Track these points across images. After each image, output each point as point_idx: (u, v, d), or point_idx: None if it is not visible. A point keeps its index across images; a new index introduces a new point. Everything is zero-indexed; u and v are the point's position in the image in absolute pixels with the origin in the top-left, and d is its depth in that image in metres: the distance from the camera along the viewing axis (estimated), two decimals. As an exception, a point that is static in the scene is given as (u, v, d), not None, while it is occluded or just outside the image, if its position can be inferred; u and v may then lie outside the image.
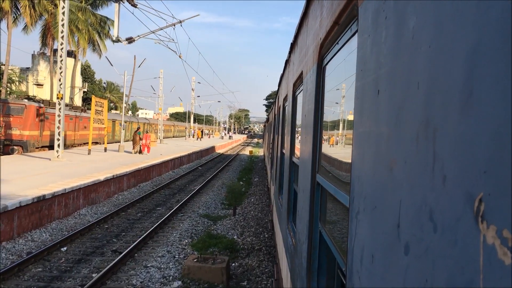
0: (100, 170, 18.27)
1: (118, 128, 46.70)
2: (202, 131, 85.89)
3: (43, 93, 49.09)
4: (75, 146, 34.89)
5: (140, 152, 30.57)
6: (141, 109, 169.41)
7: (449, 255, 0.90)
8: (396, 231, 1.23)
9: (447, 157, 0.95)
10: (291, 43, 5.88)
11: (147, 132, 34.95)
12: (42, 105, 28.11)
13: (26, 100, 27.62)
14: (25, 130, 26.23)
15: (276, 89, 13.96)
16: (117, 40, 20.42)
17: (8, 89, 37.02)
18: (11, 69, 42.00)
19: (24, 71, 53.04)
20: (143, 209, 16.46)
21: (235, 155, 50.19)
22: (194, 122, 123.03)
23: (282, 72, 9.05)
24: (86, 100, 60.20)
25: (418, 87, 1.12)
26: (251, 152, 49.88)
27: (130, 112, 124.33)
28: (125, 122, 47.83)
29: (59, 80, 20.14)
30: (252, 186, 24.56)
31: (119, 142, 45.95)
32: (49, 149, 29.64)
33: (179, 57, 26.91)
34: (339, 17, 2.26)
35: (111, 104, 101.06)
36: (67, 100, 45.07)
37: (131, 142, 35.37)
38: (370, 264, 1.46)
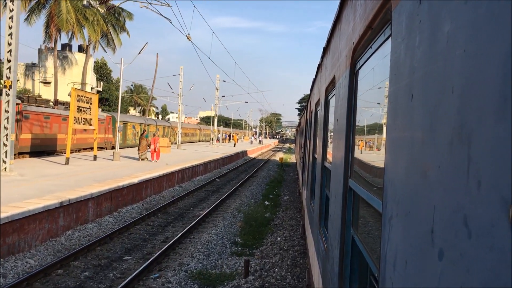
0: (55, 191, 12.23)
1: (131, 132, 41.09)
2: (229, 136, 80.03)
3: (50, 92, 43.97)
4: (72, 152, 29.25)
5: (141, 158, 24.63)
6: (172, 112, 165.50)
7: (484, 261, 0.91)
8: (430, 237, 1.22)
9: (482, 162, 0.96)
10: (324, 48, 5.85)
11: (154, 136, 29.06)
12: (18, 101, 22.43)
13: (-4, 95, 22.01)
14: (-8, 132, 20.54)
15: (308, 92, 13.14)
16: (88, 4, 14.44)
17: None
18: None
19: (30, 67, 48.14)
20: (101, 259, 10.24)
21: (263, 163, 43.85)
22: (224, 126, 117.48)
23: (314, 77, 8.83)
24: (102, 100, 55.04)
25: (453, 91, 1.13)
26: (281, 159, 43.39)
27: (160, 116, 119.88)
28: (132, 123, 42.08)
29: (8, 61, 14.22)
30: (281, 209, 18.09)
31: (133, 147, 40.35)
32: (30, 156, 24.01)
33: (187, 38, 20.86)
34: (372, 22, 2.27)
35: (139, 108, 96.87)
36: (64, 98, 39.59)
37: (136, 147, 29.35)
38: (403, 270, 1.46)
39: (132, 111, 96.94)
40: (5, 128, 14.13)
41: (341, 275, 3.04)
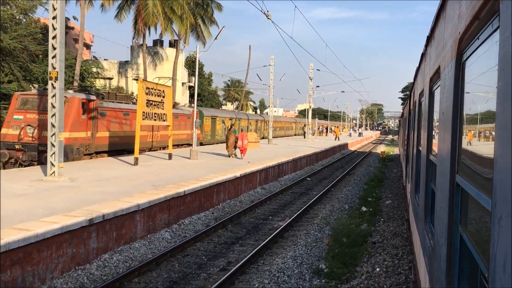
0: (95, 202, 10.01)
1: (220, 127, 39.33)
2: (326, 128, 76.25)
3: (142, 89, 43.72)
4: (155, 150, 27.88)
5: (224, 155, 22.25)
6: (270, 106, 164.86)
7: None
8: None
9: None
10: (427, 36, 5.73)
11: (242, 131, 26.85)
12: (93, 97, 21.12)
13: (70, 91, 20.83)
14: (64, 131, 19.23)
15: (412, 80, 12.51)
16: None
17: (87, 82, 31.30)
18: (92, 60, 36.65)
19: (123, 65, 48.38)
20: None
21: (362, 157, 39.87)
22: (323, 118, 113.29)
23: (417, 66, 8.49)
24: (194, 95, 54.33)
25: None
26: (383, 153, 39.10)
27: (258, 110, 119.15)
28: (221, 117, 40.13)
29: (53, 48, 12.31)
30: (382, 218, 14.57)
31: (222, 143, 38.55)
32: (108, 155, 22.71)
33: (266, 16, 17.94)
34: (479, 12, 2.20)
35: (236, 103, 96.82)
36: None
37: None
38: None
39: (229, 106, 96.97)
40: (53, 126, 12.24)
41: (449, 273, 2.97)
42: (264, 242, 10.84)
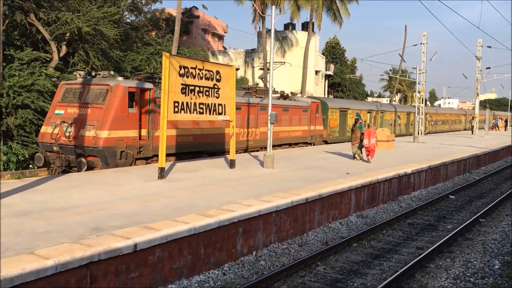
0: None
1: (353, 121, 32.29)
2: (506, 121, 62.49)
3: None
4: (255, 150, 22.45)
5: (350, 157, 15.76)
6: (443, 98, 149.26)
7: None
8: None
9: None
10: None
11: (369, 127, 20.31)
12: (148, 86, 16.42)
13: (119, 78, 16.41)
14: (103, 129, 14.89)
15: None
16: None
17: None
18: (189, 47, 32.56)
19: (250, 53, 43.98)
20: None
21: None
22: (506, 109, 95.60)
23: None
24: (333, 86, 47.66)
25: None
26: None
27: (428, 103, 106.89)
28: (355, 110, 32.83)
29: None
30: None
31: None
32: (178, 159, 17.84)
33: None
34: None
35: (399, 95, 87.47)
36: (282, 86, 33.06)
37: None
38: None
39: (394, 98, 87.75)
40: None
41: None
42: None
